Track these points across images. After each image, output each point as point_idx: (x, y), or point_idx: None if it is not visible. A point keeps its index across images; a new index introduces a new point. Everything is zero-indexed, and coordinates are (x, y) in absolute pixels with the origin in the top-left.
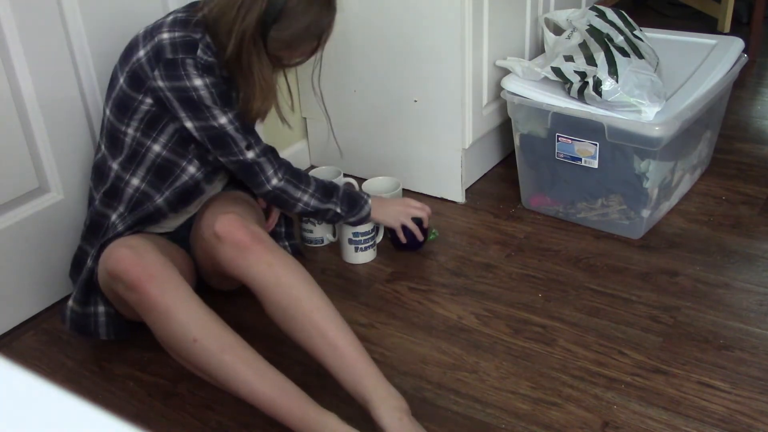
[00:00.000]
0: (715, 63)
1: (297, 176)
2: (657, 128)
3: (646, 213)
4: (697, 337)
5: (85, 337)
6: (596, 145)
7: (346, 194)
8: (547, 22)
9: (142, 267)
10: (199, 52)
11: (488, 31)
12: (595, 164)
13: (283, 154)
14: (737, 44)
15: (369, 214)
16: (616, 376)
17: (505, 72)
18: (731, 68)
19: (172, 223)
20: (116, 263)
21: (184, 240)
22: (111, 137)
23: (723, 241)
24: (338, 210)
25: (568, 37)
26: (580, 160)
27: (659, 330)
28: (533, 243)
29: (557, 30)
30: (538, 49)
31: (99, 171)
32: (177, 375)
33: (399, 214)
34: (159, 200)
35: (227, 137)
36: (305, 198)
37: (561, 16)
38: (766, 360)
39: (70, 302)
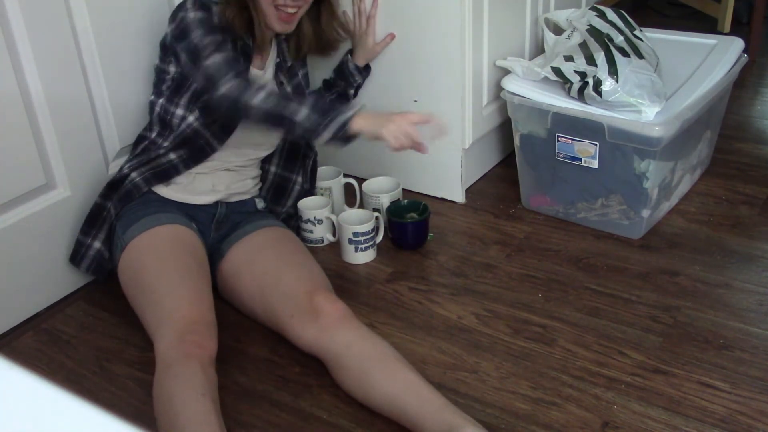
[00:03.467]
0: (715, 63)
1: (246, 82)
2: (657, 128)
3: (646, 213)
4: (697, 337)
5: (73, 264)
6: (596, 145)
7: (318, 102)
8: (547, 22)
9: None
10: (207, 2)
11: (488, 31)
12: (595, 164)
13: None
14: (737, 44)
15: (353, 118)
16: (616, 376)
17: (505, 72)
18: (731, 68)
19: (204, 197)
20: (202, 346)
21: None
22: (161, 120)
23: (723, 241)
24: (302, 117)
25: (568, 37)
26: (580, 160)
27: (659, 330)
28: (533, 243)
29: (557, 30)
30: (538, 49)
31: (134, 145)
32: None
33: (390, 124)
34: (173, 156)
35: (198, 52)
36: (254, 101)
37: (561, 16)
38: (766, 360)
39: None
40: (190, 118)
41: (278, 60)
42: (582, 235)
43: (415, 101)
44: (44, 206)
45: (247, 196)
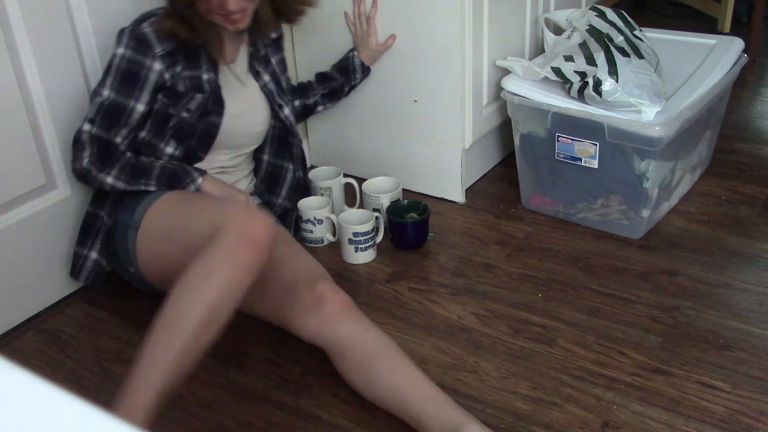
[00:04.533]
0: (715, 63)
1: (102, 157)
2: (657, 128)
3: (646, 213)
4: (697, 337)
5: (72, 278)
6: (596, 145)
7: (163, 172)
8: (547, 22)
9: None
10: (146, 23)
11: (488, 31)
12: (595, 164)
13: None
14: (737, 44)
15: (198, 188)
16: (616, 376)
17: (505, 72)
18: (731, 68)
19: None
20: (264, 233)
21: None
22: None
23: (723, 241)
24: (152, 189)
25: (568, 37)
26: (580, 160)
27: (659, 330)
28: (533, 243)
29: (557, 30)
30: (538, 49)
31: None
32: None
33: (235, 195)
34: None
35: (91, 105)
36: (109, 180)
37: (561, 16)
38: (766, 360)
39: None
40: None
41: (251, 50)
42: (582, 235)
43: (415, 101)
44: (44, 206)
45: None
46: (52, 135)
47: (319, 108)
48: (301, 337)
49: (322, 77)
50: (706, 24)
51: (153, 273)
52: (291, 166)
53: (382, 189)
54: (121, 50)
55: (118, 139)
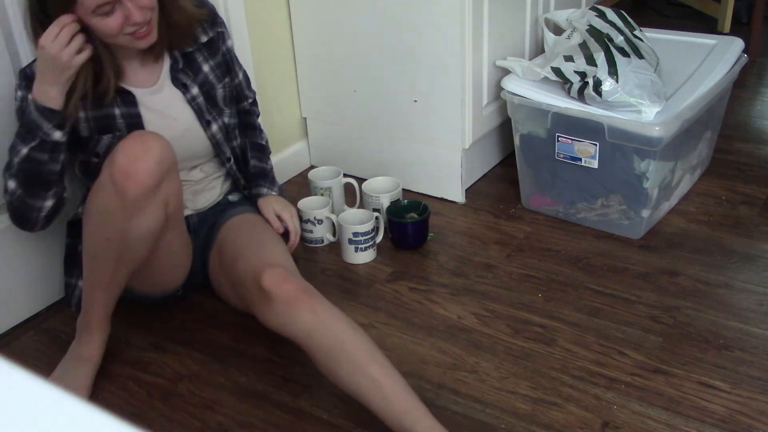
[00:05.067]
0: (715, 63)
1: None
2: (657, 128)
3: (646, 213)
4: (697, 337)
5: (70, 308)
6: (596, 145)
7: (22, 126)
8: (547, 22)
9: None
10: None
11: (488, 31)
12: (595, 164)
13: (283, 154)
14: (737, 44)
15: (38, 105)
16: (616, 376)
17: (505, 72)
18: (731, 68)
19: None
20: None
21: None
22: None
23: (723, 241)
24: (24, 152)
25: (568, 37)
26: (580, 160)
27: (659, 330)
28: (533, 243)
29: (557, 30)
30: (538, 49)
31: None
32: (177, 375)
33: (50, 63)
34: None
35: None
36: (11, 185)
37: (561, 16)
38: (766, 360)
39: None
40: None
41: (171, 62)
42: (582, 235)
43: (415, 101)
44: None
45: (218, 200)
46: None
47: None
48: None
49: (252, 148)
50: (706, 24)
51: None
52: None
53: (382, 189)
54: (20, 92)
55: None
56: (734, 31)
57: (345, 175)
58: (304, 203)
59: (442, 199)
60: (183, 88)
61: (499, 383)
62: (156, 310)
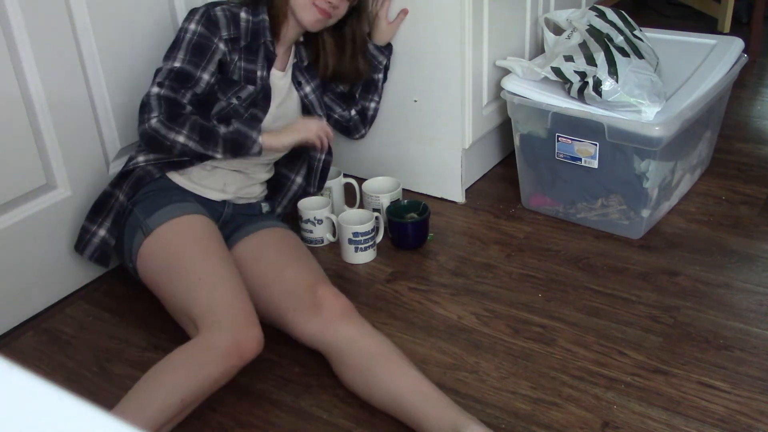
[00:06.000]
0: (715, 63)
1: (172, 117)
2: (657, 128)
3: (646, 213)
4: (697, 337)
5: (77, 252)
6: (596, 145)
7: (227, 138)
8: (547, 22)
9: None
10: (218, 8)
11: (488, 31)
12: (595, 164)
13: None
14: (737, 44)
15: (260, 152)
16: (616, 376)
17: (505, 72)
18: (731, 68)
19: (214, 193)
20: (254, 346)
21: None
22: None
23: (723, 241)
24: (219, 157)
25: (568, 37)
26: (580, 160)
27: (659, 330)
28: (533, 243)
29: (557, 30)
30: (538, 49)
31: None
32: None
33: (295, 133)
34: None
35: (157, 73)
36: (180, 139)
37: (561, 16)
38: (766, 360)
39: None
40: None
41: (295, 60)
42: (582, 235)
43: (415, 101)
44: (45, 206)
45: (254, 200)
46: (52, 135)
47: (367, 105)
48: (300, 340)
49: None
50: (706, 24)
51: (146, 279)
52: (299, 180)
53: (382, 189)
54: (192, 26)
55: (185, 100)
56: (734, 31)
57: (345, 175)
58: (304, 203)
59: (442, 199)
60: (298, 85)
61: (499, 383)
62: (156, 310)
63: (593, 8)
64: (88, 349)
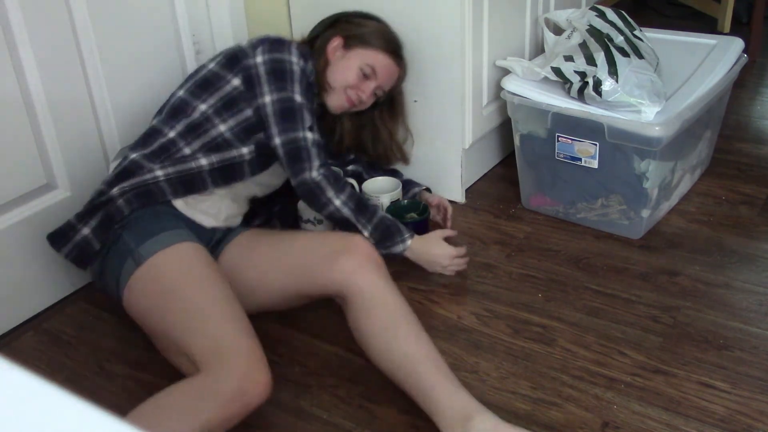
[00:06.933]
0: (715, 63)
1: (335, 177)
2: (657, 128)
3: (646, 213)
4: (697, 337)
5: (53, 246)
6: (596, 145)
7: (382, 222)
8: (547, 22)
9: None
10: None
11: (488, 31)
12: (595, 164)
13: None
14: (737, 44)
15: (402, 253)
16: (616, 376)
17: (505, 72)
18: (731, 68)
19: (206, 219)
20: (261, 393)
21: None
22: (175, 110)
23: (723, 241)
24: (366, 234)
25: (568, 37)
26: (580, 160)
27: (659, 330)
28: (533, 243)
29: (557, 30)
30: (538, 49)
31: (145, 138)
32: (177, 375)
33: (436, 266)
34: (204, 163)
35: (295, 113)
36: (337, 202)
37: (561, 16)
38: (766, 360)
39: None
40: (244, 150)
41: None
42: (582, 235)
43: (415, 101)
44: (44, 206)
45: (234, 226)
46: (52, 135)
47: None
48: (326, 286)
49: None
50: (706, 24)
51: (135, 312)
52: (275, 208)
53: (382, 189)
54: (294, 59)
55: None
56: (734, 31)
57: (345, 175)
58: (304, 203)
59: None
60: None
61: (499, 383)
62: None
63: (593, 8)
64: (88, 349)
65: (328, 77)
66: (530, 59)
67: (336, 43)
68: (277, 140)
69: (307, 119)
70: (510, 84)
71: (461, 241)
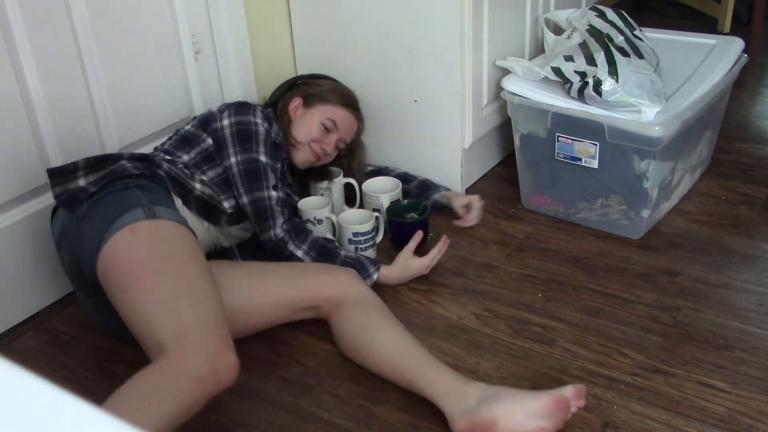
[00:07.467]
0: (715, 63)
1: (297, 231)
2: (657, 128)
3: (646, 213)
4: (697, 337)
5: (49, 180)
6: (596, 145)
7: (344, 263)
8: (547, 22)
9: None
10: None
11: (488, 31)
12: (595, 164)
13: None
14: (737, 44)
15: (374, 283)
16: (616, 376)
17: (505, 72)
18: (731, 68)
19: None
20: (231, 373)
21: None
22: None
23: (723, 241)
24: None
25: (568, 37)
26: (580, 160)
27: (659, 330)
28: (533, 243)
29: (557, 30)
30: (538, 49)
31: (147, 157)
32: None
33: (416, 276)
34: (198, 186)
35: (259, 173)
36: (299, 252)
37: (561, 16)
38: (766, 360)
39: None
40: (225, 202)
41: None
42: (582, 235)
43: (415, 101)
44: (44, 206)
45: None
46: (52, 135)
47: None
48: (323, 297)
49: (405, 178)
50: (706, 24)
51: (114, 266)
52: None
53: (382, 189)
54: (258, 120)
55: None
56: (734, 31)
57: (345, 175)
58: (304, 203)
59: None
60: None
61: (499, 383)
62: None
63: (593, 8)
64: (88, 349)
65: (293, 134)
66: (530, 59)
67: (296, 102)
68: (244, 199)
69: (272, 178)
70: (510, 84)
71: (461, 241)
